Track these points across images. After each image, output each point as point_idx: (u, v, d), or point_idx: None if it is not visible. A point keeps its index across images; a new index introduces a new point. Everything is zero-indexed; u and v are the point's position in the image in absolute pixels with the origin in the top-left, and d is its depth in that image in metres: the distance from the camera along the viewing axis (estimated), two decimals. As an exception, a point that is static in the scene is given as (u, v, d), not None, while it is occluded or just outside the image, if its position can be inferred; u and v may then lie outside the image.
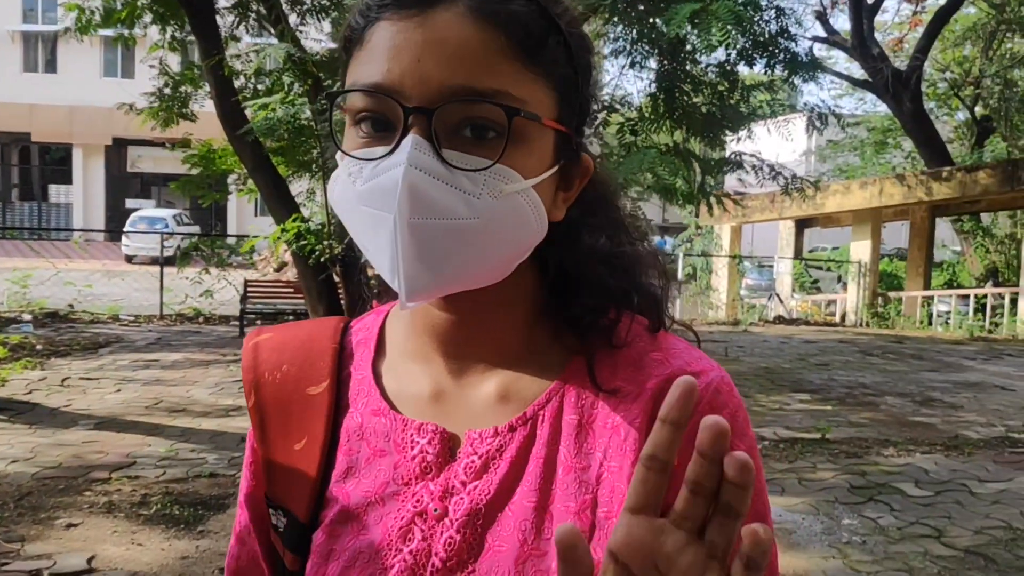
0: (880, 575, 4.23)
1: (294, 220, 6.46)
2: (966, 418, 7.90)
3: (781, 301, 18.48)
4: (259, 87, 7.49)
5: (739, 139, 7.63)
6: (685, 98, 7.00)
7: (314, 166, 7.63)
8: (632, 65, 6.96)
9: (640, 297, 0.76)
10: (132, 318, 12.74)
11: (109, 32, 8.94)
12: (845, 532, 4.79)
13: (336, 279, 6.74)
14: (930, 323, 16.56)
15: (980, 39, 20.33)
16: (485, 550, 0.70)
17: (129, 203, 30.09)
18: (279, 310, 11.61)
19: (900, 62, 18.94)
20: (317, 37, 7.34)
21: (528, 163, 0.67)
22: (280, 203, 6.86)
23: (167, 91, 8.75)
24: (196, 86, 8.66)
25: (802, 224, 19.53)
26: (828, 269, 23.91)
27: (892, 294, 17.91)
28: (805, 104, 9.18)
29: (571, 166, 0.73)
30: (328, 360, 0.80)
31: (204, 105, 8.57)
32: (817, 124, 7.74)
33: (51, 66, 30.23)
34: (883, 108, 21.28)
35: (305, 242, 6.36)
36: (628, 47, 6.84)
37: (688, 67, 7.10)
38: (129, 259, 22.05)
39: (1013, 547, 4.64)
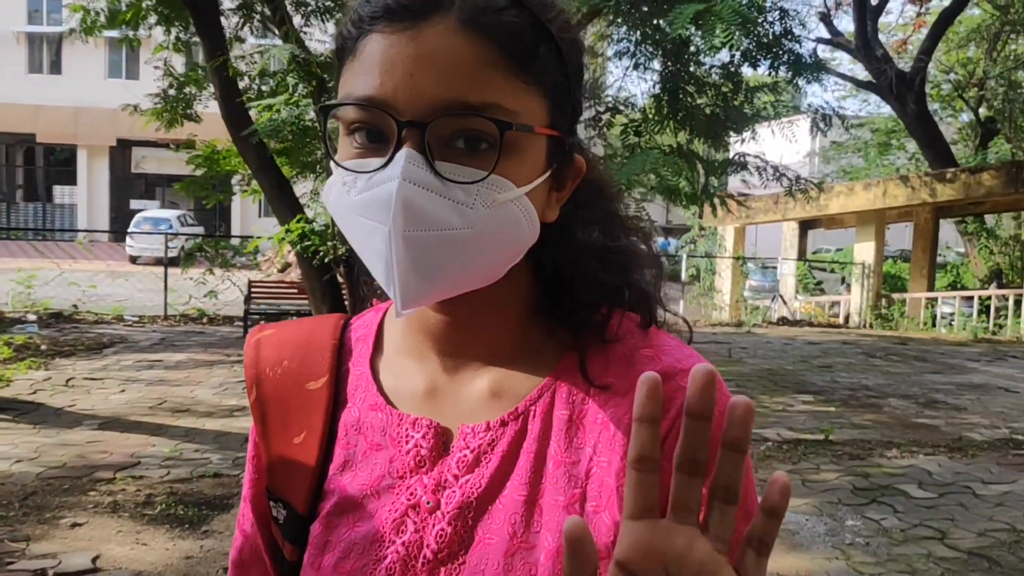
0: (882, 576, 4.24)
1: (298, 221, 6.46)
2: (970, 420, 7.88)
3: (785, 302, 18.44)
4: (263, 88, 7.52)
5: (743, 140, 7.61)
6: (689, 99, 7.01)
7: (318, 167, 7.65)
8: (636, 66, 6.97)
9: (632, 293, 0.77)
10: (136, 318, 12.77)
11: (114, 33, 8.98)
12: (848, 533, 4.79)
13: (340, 280, 6.75)
14: (934, 325, 16.52)
15: (984, 40, 20.29)
16: (475, 542, 0.71)
17: (133, 204, 30.15)
18: (283, 311, 11.59)
19: (904, 64, 18.93)
20: (321, 38, 7.35)
21: (521, 171, 0.67)
22: (284, 204, 6.86)
23: (171, 92, 8.78)
24: (200, 87, 8.69)
25: (806, 225, 19.49)
26: (832, 271, 23.86)
27: (896, 296, 17.87)
28: (809, 105, 9.21)
29: (564, 168, 0.73)
30: (328, 356, 0.81)
31: (208, 106, 8.58)
32: (821, 125, 7.75)
33: (56, 67, 30.32)
34: (887, 110, 21.29)
35: (309, 243, 6.36)
36: (632, 48, 6.86)
37: (692, 68, 7.10)
38: (133, 260, 22.09)
39: (1017, 549, 4.63)
